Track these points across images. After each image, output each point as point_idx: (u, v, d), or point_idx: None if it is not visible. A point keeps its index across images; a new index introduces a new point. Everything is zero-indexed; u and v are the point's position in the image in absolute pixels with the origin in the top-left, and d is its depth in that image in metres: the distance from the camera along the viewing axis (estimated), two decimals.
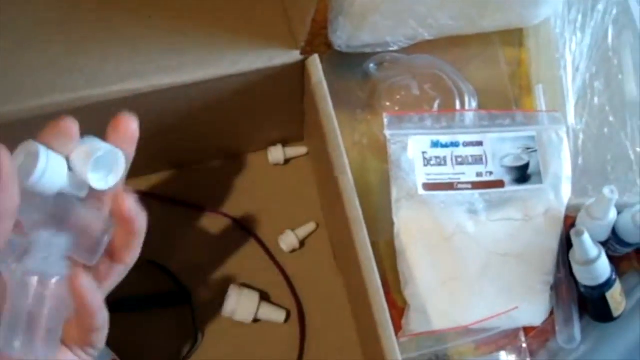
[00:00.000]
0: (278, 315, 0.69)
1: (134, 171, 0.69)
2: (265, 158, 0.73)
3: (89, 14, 0.58)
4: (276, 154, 0.73)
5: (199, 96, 0.59)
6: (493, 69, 0.78)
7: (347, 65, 0.76)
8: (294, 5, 0.58)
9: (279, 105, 0.66)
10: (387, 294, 0.71)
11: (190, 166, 0.73)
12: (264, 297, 0.69)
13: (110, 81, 0.55)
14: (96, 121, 0.57)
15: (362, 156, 0.74)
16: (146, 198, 0.71)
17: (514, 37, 0.79)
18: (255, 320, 0.68)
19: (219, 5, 0.59)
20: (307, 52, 0.59)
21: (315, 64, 0.59)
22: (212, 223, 0.72)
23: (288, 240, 0.70)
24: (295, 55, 0.58)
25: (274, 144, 0.74)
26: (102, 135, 0.56)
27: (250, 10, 0.59)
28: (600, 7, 0.75)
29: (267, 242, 0.72)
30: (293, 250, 0.71)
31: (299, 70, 0.60)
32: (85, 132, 0.59)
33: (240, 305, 0.67)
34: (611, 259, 0.71)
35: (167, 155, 0.70)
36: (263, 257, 0.71)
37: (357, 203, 0.55)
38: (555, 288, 0.69)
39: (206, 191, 0.73)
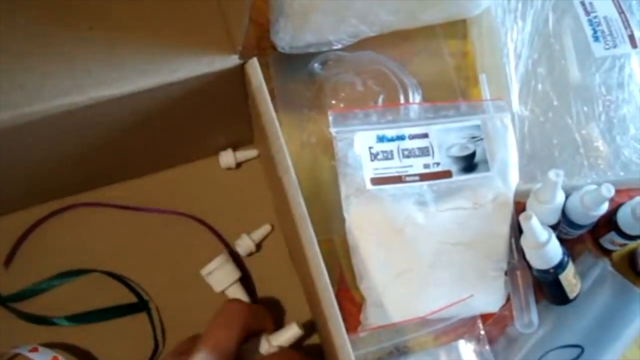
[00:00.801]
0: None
1: (85, 185, 0.73)
2: (217, 163, 0.75)
3: (26, 29, 0.59)
4: (227, 158, 0.74)
5: (141, 106, 0.60)
6: (438, 62, 0.80)
7: (293, 66, 0.77)
8: (229, 10, 0.59)
9: (224, 110, 0.67)
10: (346, 290, 0.73)
11: (141, 176, 0.75)
12: (244, 283, 0.71)
13: (51, 96, 0.56)
14: (39, 137, 0.60)
15: (314, 155, 0.75)
16: (99, 208, 0.74)
17: (458, 29, 0.82)
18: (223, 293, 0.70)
19: (157, 15, 0.61)
20: (251, 55, 0.60)
21: (254, 67, 0.60)
22: (168, 228, 0.73)
23: (244, 244, 0.72)
24: (234, 60, 0.59)
25: (224, 148, 0.75)
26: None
27: (189, 18, 0.61)
28: None
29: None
30: (250, 254, 0.73)
31: (240, 74, 0.61)
32: (31, 147, 0.62)
33: (218, 271, 0.69)
34: (564, 241, 0.73)
35: (117, 166, 0.71)
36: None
37: (301, 201, 0.56)
38: (510, 274, 0.71)
39: (159, 200, 0.74)
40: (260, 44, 0.78)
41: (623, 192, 0.76)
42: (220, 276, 0.69)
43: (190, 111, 0.65)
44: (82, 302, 0.70)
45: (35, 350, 0.65)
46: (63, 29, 0.60)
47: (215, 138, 0.73)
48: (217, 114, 0.67)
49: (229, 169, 0.75)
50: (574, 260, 0.74)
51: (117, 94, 0.57)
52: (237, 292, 0.70)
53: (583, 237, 0.76)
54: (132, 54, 0.59)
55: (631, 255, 0.75)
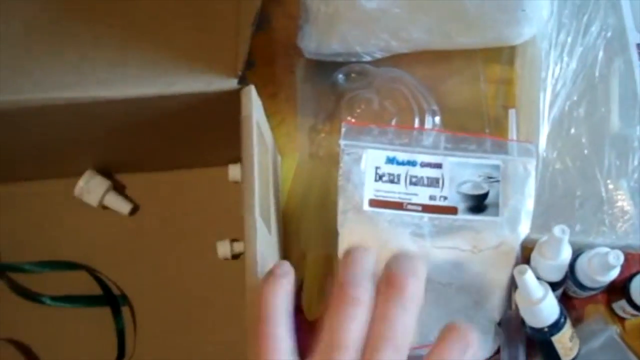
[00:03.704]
0: (123, 207, 0.79)
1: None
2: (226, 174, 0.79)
3: (50, 17, 0.66)
4: (234, 171, 0.78)
5: (136, 111, 0.66)
6: (472, 87, 0.80)
7: (321, 73, 0.80)
8: (242, 34, 0.63)
9: (225, 126, 0.68)
10: None
11: (148, 172, 0.81)
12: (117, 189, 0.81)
13: (54, 88, 0.62)
14: (38, 123, 0.66)
15: (327, 167, 0.78)
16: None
17: (504, 53, 0.81)
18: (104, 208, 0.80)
19: (177, 23, 0.66)
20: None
21: (248, 96, 0.63)
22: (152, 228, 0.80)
23: (222, 248, 0.76)
24: (232, 83, 0.63)
25: (235, 161, 0.78)
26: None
27: (205, 32, 0.65)
28: (594, 29, 0.76)
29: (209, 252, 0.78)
30: (225, 259, 0.77)
31: (237, 98, 0.64)
32: (23, 132, 0.68)
33: (89, 186, 0.78)
34: (574, 299, 0.74)
35: (119, 159, 0.79)
36: (199, 264, 0.78)
37: (256, 240, 0.59)
38: (504, 326, 0.71)
39: (160, 197, 0.81)
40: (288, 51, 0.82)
41: None
42: (92, 192, 0.78)
43: (186, 124, 0.69)
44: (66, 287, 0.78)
45: None
46: (83, 23, 0.66)
47: (220, 150, 0.77)
48: (217, 130, 0.70)
49: (236, 182, 0.78)
50: (582, 320, 0.75)
51: (114, 96, 0.62)
52: (115, 199, 0.79)
53: (596, 297, 0.75)
54: (139, 58, 0.64)
55: None
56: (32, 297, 0.76)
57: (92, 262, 0.78)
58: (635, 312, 0.71)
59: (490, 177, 0.72)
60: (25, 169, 0.78)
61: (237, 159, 0.77)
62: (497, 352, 0.72)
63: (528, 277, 0.65)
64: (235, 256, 0.78)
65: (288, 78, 0.83)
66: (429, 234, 0.71)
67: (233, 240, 0.77)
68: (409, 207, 0.72)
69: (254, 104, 0.63)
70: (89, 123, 0.67)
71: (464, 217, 0.72)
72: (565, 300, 0.74)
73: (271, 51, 0.84)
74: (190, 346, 0.75)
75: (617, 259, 0.65)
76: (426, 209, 0.72)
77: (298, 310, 0.73)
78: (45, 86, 0.62)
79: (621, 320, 0.74)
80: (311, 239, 0.77)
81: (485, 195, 0.72)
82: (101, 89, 0.62)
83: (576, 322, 0.73)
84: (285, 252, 0.77)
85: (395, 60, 0.78)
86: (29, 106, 0.62)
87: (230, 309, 0.71)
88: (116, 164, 0.80)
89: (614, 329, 0.73)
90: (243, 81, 0.63)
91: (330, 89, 0.80)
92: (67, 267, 0.77)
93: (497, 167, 0.73)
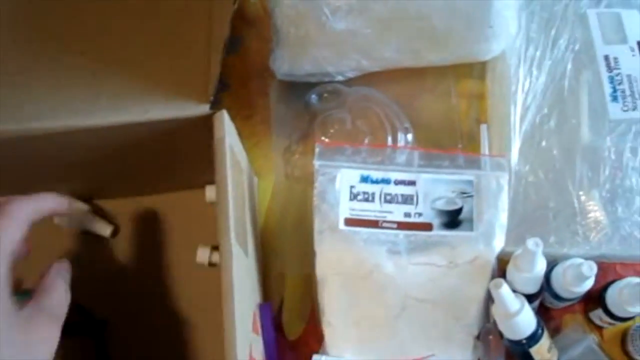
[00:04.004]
0: (104, 229, 0.80)
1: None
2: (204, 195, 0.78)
3: (21, 46, 0.66)
4: (211, 192, 0.77)
5: (111, 139, 0.66)
6: (444, 103, 0.82)
7: (295, 94, 0.82)
8: (213, 60, 0.64)
9: (200, 151, 0.69)
10: (315, 326, 0.76)
11: (125, 197, 0.82)
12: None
13: (28, 118, 0.62)
14: (10, 155, 0.65)
15: (303, 187, 0.79)
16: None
17: (475, 70, 0.83)
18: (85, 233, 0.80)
19: (149, 50, 0.66)
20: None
21: (221, 120, 0.64)
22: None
23: (201, 254, 0.76)
24: (204, 109, 0.64)
25: (213, 182, 0.79)
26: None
27: (177, 58, 0.66)
28: (562, 42, 0.77)
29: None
30: (202, 266, 0.76)
31: (211, 122, 0.65)
32: (7, 163, 0.68)
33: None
34: (551, 310, 0.75)
35: (98, 186, 0.80)
36: (180, 284, 0.79)
37: (232, 265, 0.59)
38: (483, 338, 0.72)
39: (139, 221, 0.81)
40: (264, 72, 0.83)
41: (628, 267, 0.75)
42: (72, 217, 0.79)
43: (162, 149, 0.70)
44: None
45: None
46: (56, 50, 0.66)
47: (198, 174, 0.77)
48: (193, 154, 0.70)
49: (214, 203, 0.79)
50: (560, 330, 0.76)
51: (88, 125, 0.63)
52: (95, 223, 0.80)
53: (573, 307, 0.76)
54: (112, 87, 0.64)
55: (623, 335, 0.74)
56: None
57: (72, 288, 0.78)
58: (611, 321, 0.72)
59: (464, 193, 0.74)
60: None
61: (214, 181, 0.79)
62: None
63: (504, 291, 0.66)
64: (212, 264, 0.77)
65: (263, 100, 0.84)
66: (405, 250, 0.72)
67: (214, 248, 0.77)
68: (385, 224, 0.73)
69: (226, 128, 0.64)
70: (64, 152, 0.68)
71: (439, 232, 0.73)
72: (542, 311, 0.75)
73: (246, 73, 0.85)
74: None
75: (590, 270, 0.66)
76: (401, 226, 0.73)
77: (278, 330, 0.76)
78: (19, 117, 0.63)
79: (599, 329, 0.75)
80: (290, 260, 0.78)
81: (459, 211, 0.73)
82: (75, 118, 0.63)
83: (554, 332, 0.75)
84: (265, 272, 0.78)
85: (368, 78, 0.80)
86: (3, 137, 0.63)
87: (213, 328, 0.69)
88: (95, 190, 0.80)
89: (592, 338, 0.74)
90: (215, 105, 0.64)
91: (304, 109, 0.81)
92: None
93: (470, 183, 0.74)
